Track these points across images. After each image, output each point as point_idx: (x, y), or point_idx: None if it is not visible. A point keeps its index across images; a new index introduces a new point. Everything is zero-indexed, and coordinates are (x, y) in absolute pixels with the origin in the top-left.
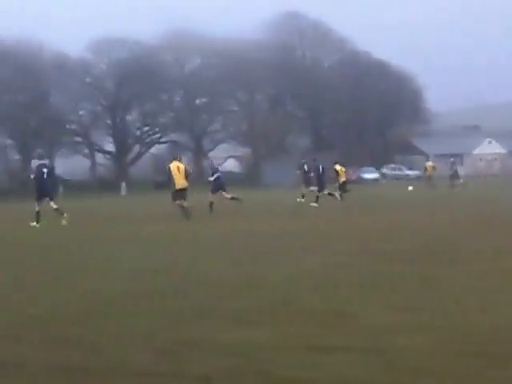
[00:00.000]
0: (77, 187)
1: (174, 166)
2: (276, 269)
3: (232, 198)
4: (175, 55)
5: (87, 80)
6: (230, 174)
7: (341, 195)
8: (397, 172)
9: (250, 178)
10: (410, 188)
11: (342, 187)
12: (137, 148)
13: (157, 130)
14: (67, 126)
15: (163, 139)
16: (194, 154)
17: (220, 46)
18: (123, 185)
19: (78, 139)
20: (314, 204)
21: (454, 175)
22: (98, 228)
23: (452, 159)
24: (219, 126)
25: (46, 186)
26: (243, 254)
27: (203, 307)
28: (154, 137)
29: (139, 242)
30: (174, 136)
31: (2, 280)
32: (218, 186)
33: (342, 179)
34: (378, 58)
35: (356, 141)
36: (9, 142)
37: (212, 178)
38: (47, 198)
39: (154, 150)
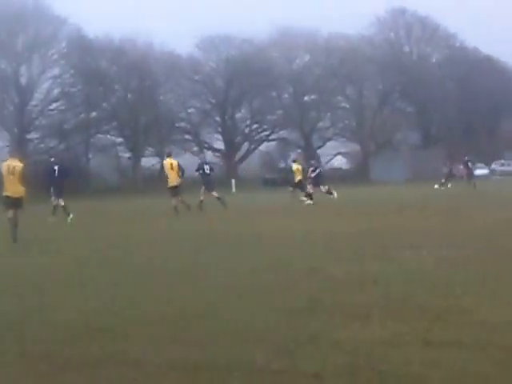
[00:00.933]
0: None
1: (167, 162)
2: (390, 265)
3: (218, 198)
4: (283, 52)
5: (196, 78)
6: (338, 170)
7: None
8: (506, 168)
9: (358, 174)
10: None
11: (298, 186)
12: (246, 145)
13: (266, 127)
14: (176, 124)
15: (272, 136)
16: (303, 151)
17: (327, 43)
18: (233, 182)
19: (188, 137)
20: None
21: None
22: (220, 224)
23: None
24: (328, 122)
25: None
26: (355, 250)
27: (316, 304)
28: (262, 134)
29: (259, 238)
30: (282, 133)
31: (129, 279)
32: (208, 183)
33: (298, 178)
34: (486, 54)
35: (464, 137)
36: (119, 140)
37: (198, 172)
38: None
39: (262, 147)
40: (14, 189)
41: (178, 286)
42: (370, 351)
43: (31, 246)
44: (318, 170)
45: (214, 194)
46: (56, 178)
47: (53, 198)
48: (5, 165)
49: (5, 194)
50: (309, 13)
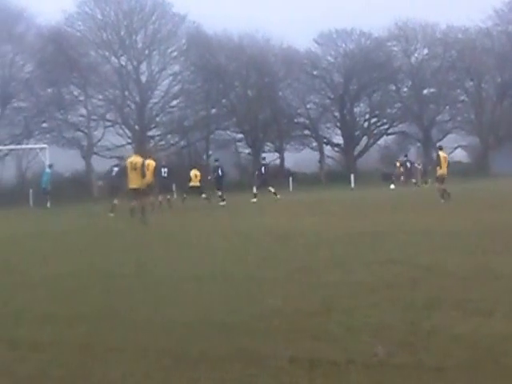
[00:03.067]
0: (306, 180)
1: (129, 162)
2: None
3: (168, 201)
4: (402, 46)
5: (315, 73)
6: (458, 164)
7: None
8: None
9: (478, 167)
10: None
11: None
12: (364, 140)
13: (384, 121)
14: (295, 120)
15: (391, 130)
16: (422, 144)
17: (445, 36)
18: (352, 177)
19: (307, 132)
20: None
21: None
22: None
23: None
24: (447, 115)
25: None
26: (474, 245)
27: (434, 297)
28: (381, 128)
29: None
30: (401, 127)
31: (240, 273)
32: (164, 186)
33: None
34: None
35: None
36: (239, 136)
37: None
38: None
39: (381, 141)
40: (138, 182)
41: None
42: (492, 345)
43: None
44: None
45: (160, 197)
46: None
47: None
48: (128, 162)
49: (130, 186)
50: (426, 6)
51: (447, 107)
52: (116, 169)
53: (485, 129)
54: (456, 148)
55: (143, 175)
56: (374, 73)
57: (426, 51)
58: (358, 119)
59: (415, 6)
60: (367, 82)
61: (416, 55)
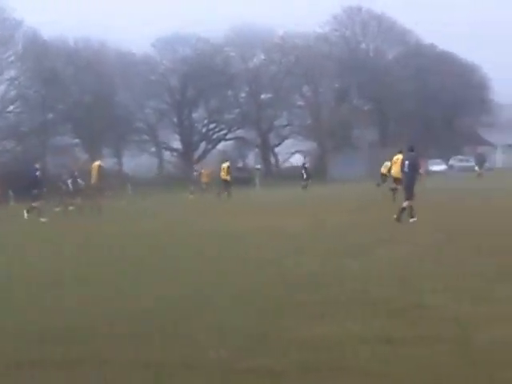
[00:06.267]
0: (144, 185)
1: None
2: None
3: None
4: (239, 51)
5: (152, 78)
6: (296, 168)
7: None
8: (464, 164)
9: (316, 172)
10: None
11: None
12: (203, 145)
13: (223, 126)
14: (134, 125)
15: (229, 136)
16: (260, 149)
17: (283, 41)
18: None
19: (145, 137)
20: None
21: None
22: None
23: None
24: (285, 121)
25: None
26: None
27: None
28: (220, 133)
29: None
30: (240, 132)
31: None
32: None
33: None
34: (443, 50)
35: (422, 133)
36: (76, 141)
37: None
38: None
39: (220, 146)
40: None
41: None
42: (329, 348)
43: None
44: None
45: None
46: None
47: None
48: None
49: None
50: (265, 12)
51: (285, 112)
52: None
53: (322, 133)
54: (294, 153)
55: None
56: (211, 78)
57: (263, 57)
58: (196, 124)
59: (253, 11)
60: (205, 87)
61: (254, 61)
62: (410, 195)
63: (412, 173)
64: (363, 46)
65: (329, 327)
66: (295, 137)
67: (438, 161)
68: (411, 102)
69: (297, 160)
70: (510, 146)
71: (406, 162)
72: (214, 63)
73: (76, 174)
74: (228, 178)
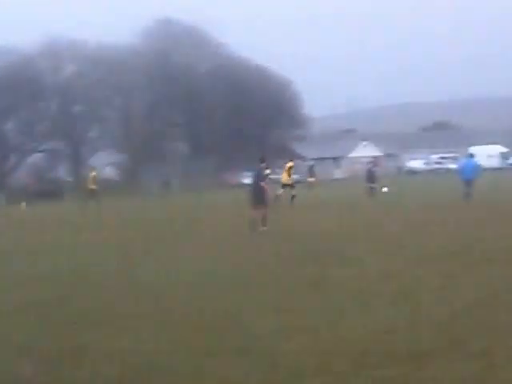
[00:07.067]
0: None
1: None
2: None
3: None
4: (51, 63)
5: None
6: (108, 182)
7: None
8: (278, 176)
9: (128, 184)
10: None
11: None
12: (14, 157)
13: (34, 138)
14: None
15: (41, 147)
16: (72, 162)
17: (95, 53)
18: (2, 195)
19: None
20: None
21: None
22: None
23: (311, 163)
24: (97, 133)
25: None
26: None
27: (83, 314)
28: (31, 145)
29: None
30: (51, 144)
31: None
32: None
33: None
34: (256, 64)
35: (236, 146)
36: None
37: None
38: None
39: (32, 158)
40: None
41: None
42: (140, 363)
43: None
44: None
45: None
46: None
47: None
48: None
49: None
50: (79, 22)
51: (96, 124)
52: None
53: (134, 146)
54: (107, 166)
55: None
56: (22, 90)
57: (74, 68)
58: (7, 136)
59: (65, 22)
60: (15, 99)
61: (65, 73)
62: (264, 205)
63: (258, 184)
64: (175, 58)
65: None
66: (108, 149)
67: (250, 173)
68: (224, 115)
69: (109, 173)
70: (320, 158)
71: (255, 174)
72: (25, 74)
73: None
74: (94, 187)
